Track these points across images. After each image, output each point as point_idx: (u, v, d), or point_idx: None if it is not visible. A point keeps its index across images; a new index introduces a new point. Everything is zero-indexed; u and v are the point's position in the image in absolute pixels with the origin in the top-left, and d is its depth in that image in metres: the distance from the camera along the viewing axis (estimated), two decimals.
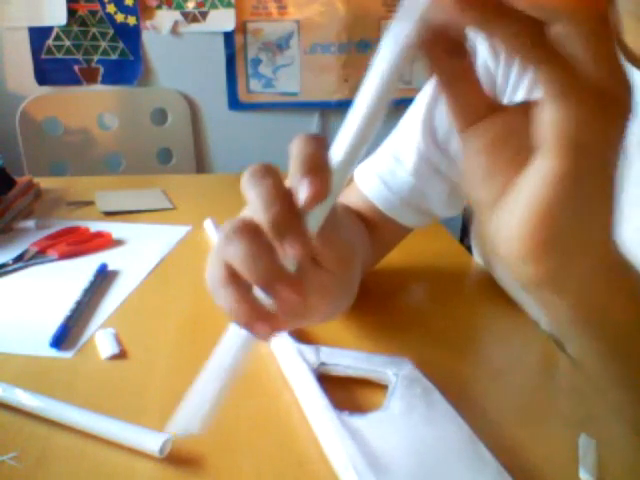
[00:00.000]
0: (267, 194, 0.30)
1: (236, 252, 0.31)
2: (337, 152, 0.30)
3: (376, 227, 0.60)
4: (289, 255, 0.29)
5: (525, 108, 0.27)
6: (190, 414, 0.31)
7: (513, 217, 0.26)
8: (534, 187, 0.25)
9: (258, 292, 0.31)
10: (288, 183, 0.31)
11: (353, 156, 0.29)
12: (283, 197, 0.30)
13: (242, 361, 0.32)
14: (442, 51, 0.27)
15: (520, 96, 0.53)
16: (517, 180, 0.27)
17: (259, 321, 0.30)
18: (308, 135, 0.31)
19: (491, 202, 0.28)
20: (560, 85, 0.23)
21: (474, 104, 0.28)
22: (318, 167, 0.29)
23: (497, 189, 0.27)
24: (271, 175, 0.31)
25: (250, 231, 0.31)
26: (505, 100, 0.53)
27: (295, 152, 0.31)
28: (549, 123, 0.24)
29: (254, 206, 0.31)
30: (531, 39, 0.23)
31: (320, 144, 0.31)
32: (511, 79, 0.53)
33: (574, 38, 0.23)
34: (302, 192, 0.29)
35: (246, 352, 0.32)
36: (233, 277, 0.31)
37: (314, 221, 0.30)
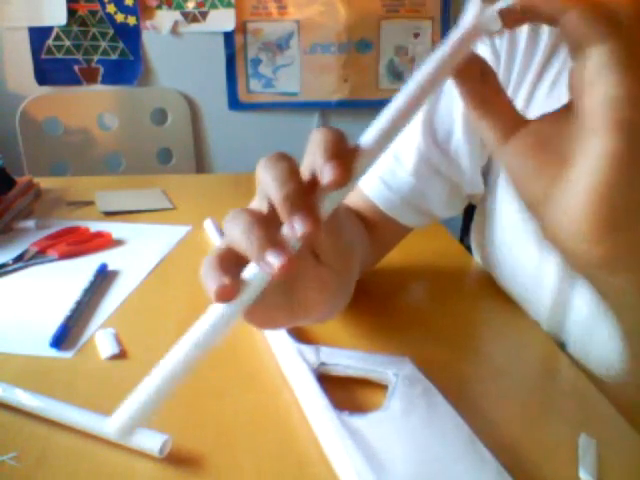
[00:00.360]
0: (282, 174, 0.31)
1: (234, 228, 0.31)
2: (361, 146, 0.31)
3: (376, 227, 0.60)
4: (297, 230, 0.29)
5: (555, 115, 0.30)
6: (133, 412, 0.31)
7: (572, 202, 0.28)
8: (591, 169, 0.27)
9: (247, 273, 0.30)
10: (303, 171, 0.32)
11: (375, 152, 0.30)
12: (298, 177, 0.31)
13: (198, 355, 0.31)
14: (473, 76, 0.30)
15: (522, 95, 0.53)
16: (568, 169, 0.28)
17: (231, 293, 0.29)
18: (329, 127, 0.32)
19: (544, 195, 0.29)
20: (622, 60, 0.25)
21: (506, 120, 0.31)
22: (342, 153, 0.30)
23: (548, 182, 0.29)
24: (287, 160, 0.32)
25: (254, 211, 0.31)
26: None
27: (317, 139, 0.31)
28: (603, 102, 0.25)
29: (268, 186, 0.31)
30: (599, 17, 0.25)
31: (342, 135, 0.32)
32: (512, 79, 0.54)
33: (630, 18, 0.25)
34: (326, 174, 0.29)
35: (214, 338, 0.31)
36: (224, 258, 0.31)
37: (328, 205, 0.30)
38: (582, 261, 0.29)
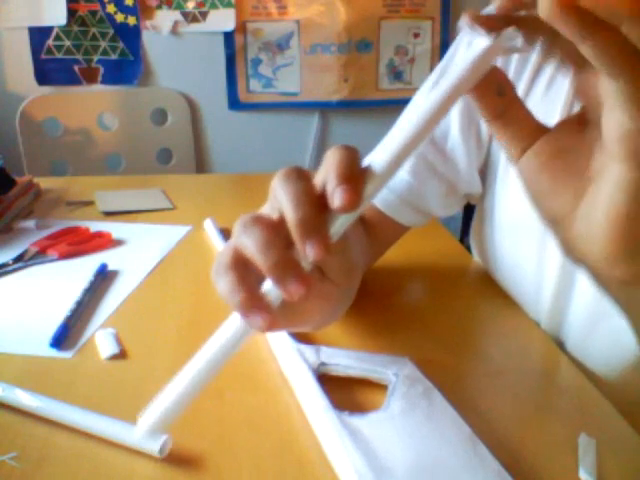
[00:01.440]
0: (300, 194, 0.31)
1: (251, 238, 0.31)
2: (373, 168, 0.31)
3: (374, 226, 0.60)
4: (308, 255, 0.30)
5: (570, 124, 0.29)
6: (162, 414, 0.31)
7: (592, 224, 0.27)
8: (608, 194, 0.26)
9: (264, 285, 0.31)
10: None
11: (386, 176, 0.31)
12: (314, 200, 0.31)
13: (226, 357, 0.32)
14: (490, 90, 0.29)
15: None
16: (589, 187, 0.27)
17: (255, 308, 0.30)
18: (345, 146, 0.33)
19: (566, 212, 0.29)
20: (636, 94, 0.23)
21: (523, 133, 0.30)
22: (354, 176, 0.31)
23: (570, 199, 0.28)
24: (305, 178, 0.32)
25: (268, 222, 0.32)
26: None
27: (332, 160, 0.32)
28: (616, 132, 0.25)
29: (284, 203, 0.31)
30: (618, 51, 0.23)
31: (356, 156, 0.32)
32: None
33: None
34: (336, 199, 0.30)
35: (234, 347, 0.32)
36: (238, 263, 0.32)
37: (337, 228, 0.31)
38: (604, 277, 0.29)
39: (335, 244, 0.32)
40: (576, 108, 0.50)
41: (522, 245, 0.56)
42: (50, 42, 1.74)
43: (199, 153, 1.92)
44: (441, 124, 0.57)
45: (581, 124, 0.29)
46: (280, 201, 0.32)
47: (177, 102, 1.84)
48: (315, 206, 0.31)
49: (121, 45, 1.78)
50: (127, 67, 1.80)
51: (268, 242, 0.31)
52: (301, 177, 0.32)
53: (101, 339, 0.51)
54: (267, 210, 0.34)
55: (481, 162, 0.60)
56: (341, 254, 0.36)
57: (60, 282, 0.64)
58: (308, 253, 0.30)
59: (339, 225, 0.31)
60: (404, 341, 0.51)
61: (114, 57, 1.79)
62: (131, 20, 1.76)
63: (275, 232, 0.31)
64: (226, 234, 0.73)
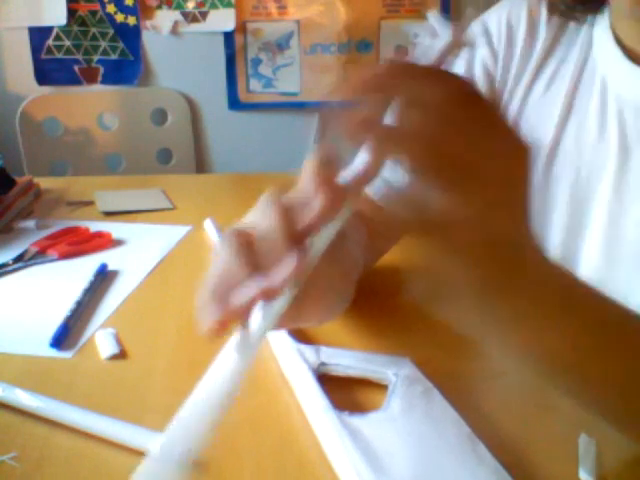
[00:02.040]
0: (280, 211, 0.32)
1: (219, 263, 0.32)
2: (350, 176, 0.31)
3: (375, 225, 0.60)
4: (284, 271, 0.30)
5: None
6: (174, 447, 0.32)
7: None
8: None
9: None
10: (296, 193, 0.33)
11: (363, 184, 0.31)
12: (292, 217, 0.31)
13: (232, 392, 0.32)
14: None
15: (519, 94, 0.53)
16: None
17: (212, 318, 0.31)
18: (324, 154, 0.33)
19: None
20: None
21: (389, 230, 0.32)
22: (331, 187, 0.31)
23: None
24: (283, 199, 0.33)
25: (240, 242, 0.32)
26: (505, 96, 0.54)
27: (310, 171, 0.32)
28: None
29: (264, 221, 0.32)
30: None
31: (334, 166, 0.32)
32: (509, 79, 0.54)
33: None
34: (314, 208, 0.30)
35: (237, 382, 0.32)
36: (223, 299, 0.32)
37: (320, 241, 0.31)
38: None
39: (332, 253, 0.32)
40: (575, 107, 0.50)
41: None
42: (50, 42, 1.74)
43: (199, 153, 1.92)
44: None
45: None
46: (263, 218, 0.32)
47: (177, 102, 1.84)
48: (292, 222, 0.31)
49: (121, 45, 1.78)
50: (127, 67, 1.80)
51: (233, 266, 0.31)
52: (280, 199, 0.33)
53: (101, 339, 0.51)
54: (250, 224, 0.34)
55: None
56: (339, 260, 0.36)
57: (60, 282, 0.64)
58: (284, 270, 0.30)
59: (323, 236, 0.31)
60: (404, 341, 0.51)
61: (114, 57, 1.79)
62: (131, 20, 1.76)
63: (243, 253, 0.32)
64: None
